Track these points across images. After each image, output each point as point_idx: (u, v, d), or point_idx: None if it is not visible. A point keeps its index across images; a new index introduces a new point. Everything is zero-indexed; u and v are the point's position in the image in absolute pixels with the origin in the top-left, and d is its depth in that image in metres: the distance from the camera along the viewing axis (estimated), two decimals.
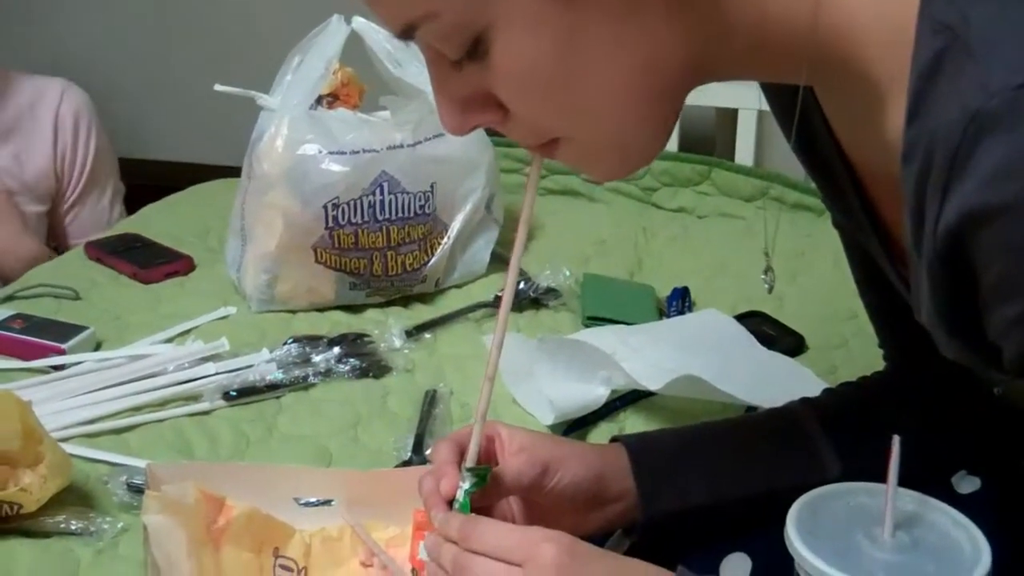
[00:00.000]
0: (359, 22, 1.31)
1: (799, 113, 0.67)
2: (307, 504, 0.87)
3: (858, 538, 0.60)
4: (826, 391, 0.92)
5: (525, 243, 0.72)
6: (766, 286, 0.77)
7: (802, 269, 1.40)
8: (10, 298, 1.29)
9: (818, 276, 1.38)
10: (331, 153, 1.24)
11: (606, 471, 0.78)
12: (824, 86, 0.65)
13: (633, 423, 1.05)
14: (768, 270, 0.78)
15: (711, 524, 0.80)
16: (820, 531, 0.61)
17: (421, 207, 1.30)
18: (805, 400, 0.86)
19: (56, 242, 1.78)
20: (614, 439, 0.82)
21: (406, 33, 0.61)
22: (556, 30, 0.58)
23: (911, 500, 0.63)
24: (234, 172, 1.37)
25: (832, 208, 0.80)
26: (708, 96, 1.79)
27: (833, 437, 0.82)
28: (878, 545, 0.60)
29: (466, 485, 0.72)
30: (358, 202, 1.25)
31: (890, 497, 0.59)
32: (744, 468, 0.81)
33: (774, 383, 1.05)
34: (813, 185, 1.65)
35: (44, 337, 1.16)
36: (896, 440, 0.58)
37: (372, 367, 1.14)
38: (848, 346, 1.21)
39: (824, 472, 0.79)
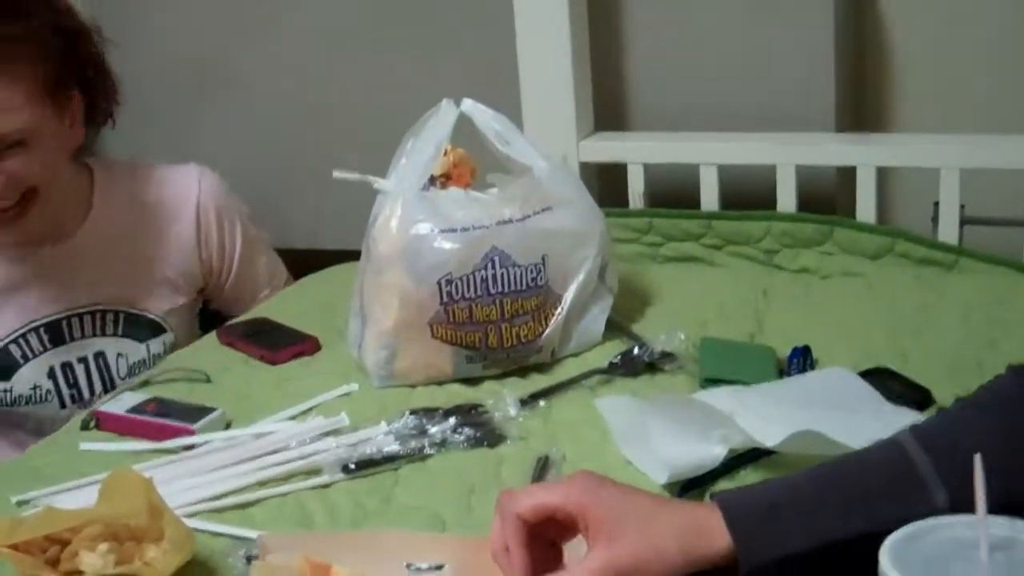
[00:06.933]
0: (467, 104, 1.35)
1: None
2: (418, 570, 0.88)
3: (954, 568, 0.58)
4: (937, 410, 0.88)
5: None
6: None
7: (926, 324, 1.36)
8: (146, 383, 1.35)
9: (944, 330, 1.33)
10: (442, 231, 1.27)
11: (694, 548, 0.77)
12: None
13: (752, 482, 1.03)
14: None
15: (813, 570, 0.77)
16: (914, 563, 0.59)
17: (533, 279, 1.31)
18: (912, 426, 0.83)
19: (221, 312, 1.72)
20: (712, 495, 0.81)
21: None
22: None
23: (1001, 526, 0.60)
24: (357, 255, 1.42)
25: None
26: (826, 155, 1.77)
27: (937, 461, 0.78)
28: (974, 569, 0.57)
29: None
30: (470, 277, 1.28)
31: (981, 517, 0.57)
32: (844, 507, 0.78)
33: None
34: (940, 239, 1.62)
35: (175, 419, 1.21)
36: (977, 458, 0.57)
37: (487, 436, 1.15)
38: None
39: (931, 500, 0.76)
